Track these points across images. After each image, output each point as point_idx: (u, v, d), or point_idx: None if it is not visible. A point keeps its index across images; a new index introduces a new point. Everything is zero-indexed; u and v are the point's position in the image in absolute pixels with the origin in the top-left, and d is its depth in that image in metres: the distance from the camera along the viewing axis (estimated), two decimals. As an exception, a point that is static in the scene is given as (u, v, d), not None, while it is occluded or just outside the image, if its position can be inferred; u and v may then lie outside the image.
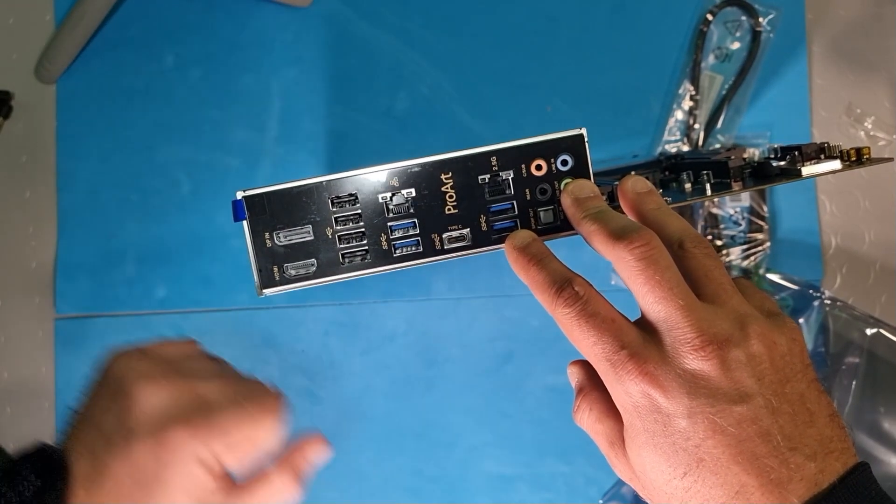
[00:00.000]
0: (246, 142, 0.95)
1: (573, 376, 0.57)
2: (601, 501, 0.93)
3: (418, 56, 0.96)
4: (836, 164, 0.57)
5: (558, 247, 0.91)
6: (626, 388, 0.48)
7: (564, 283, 0.51)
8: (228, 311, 0.94)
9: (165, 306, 0.94)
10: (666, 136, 0.95)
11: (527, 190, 0.56)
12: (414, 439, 0.94)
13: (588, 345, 0.50)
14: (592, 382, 0.55)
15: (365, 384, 0.95)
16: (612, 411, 0.53)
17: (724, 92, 0.95)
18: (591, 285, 0.51)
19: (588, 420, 0.54)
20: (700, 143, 0.94)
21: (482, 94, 0.96)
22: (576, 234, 0.56)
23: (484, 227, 0.56)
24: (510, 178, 0.56)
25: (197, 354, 0.65)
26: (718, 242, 0.94)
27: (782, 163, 0.60)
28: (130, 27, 0.95)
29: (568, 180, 0.56)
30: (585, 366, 0.57)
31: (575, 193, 0.55)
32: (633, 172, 0.57)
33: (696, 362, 0.47)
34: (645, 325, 0.50)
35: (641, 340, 0.49)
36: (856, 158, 0.58)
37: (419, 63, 0.96)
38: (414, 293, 0.94)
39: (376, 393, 0.95)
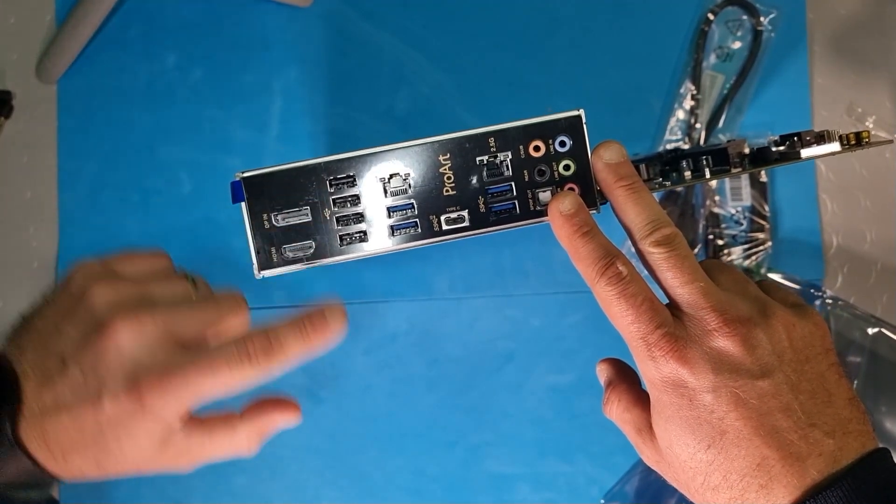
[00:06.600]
0: (247, 141, 0.95)
1: (602, 373, 0.61)
2: (603, 501, 0.93)
3: (419, 56, 0.96)
4: (835, 146, 0.57)
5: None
6: (658, 366, 0.51)
7: (610, 261, 0.53)
8: (229, 310, 0.94)
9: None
10: (667, 136, 0.95)
11: (525, 171, 0.56)
12: (415, 439, 0.94)
13: (625, 323, 0.52)
14: (620, 377, 0.59)
15: (366, 384, 0.94)
16: (638, 401, 0.56)
17: (725, 91, 0.95)
18: (632, 264, 0.53)
19: (617, 410, 0.57)
20: (702, 142, 0.94)
21: (483, 93, 0.96)
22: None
23: (482, 208, 0.56)
24: (508, 159, 0.56)
25: (167, 273, 0.62)
26: (720, 242, 0.94)
27: (781, 147, 0.60)
28: (131, 27, 0.95)
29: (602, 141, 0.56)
30: (613, 362, 0.60)
31: (605, 158, 0.56)
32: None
33: (720, 340, 0.50)
34: (672, 309, 0.53)
35: (673, 321, 0.52)
36: (855, 142, 0.57)
37: (420, 63, 0.96)
38: (415, 293, 0.94)
39: (378, 392, 0.94)
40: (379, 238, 0.57)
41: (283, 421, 0.60)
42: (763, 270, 0.94)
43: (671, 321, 0.51)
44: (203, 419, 0.56)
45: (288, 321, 0.56)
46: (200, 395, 0.53)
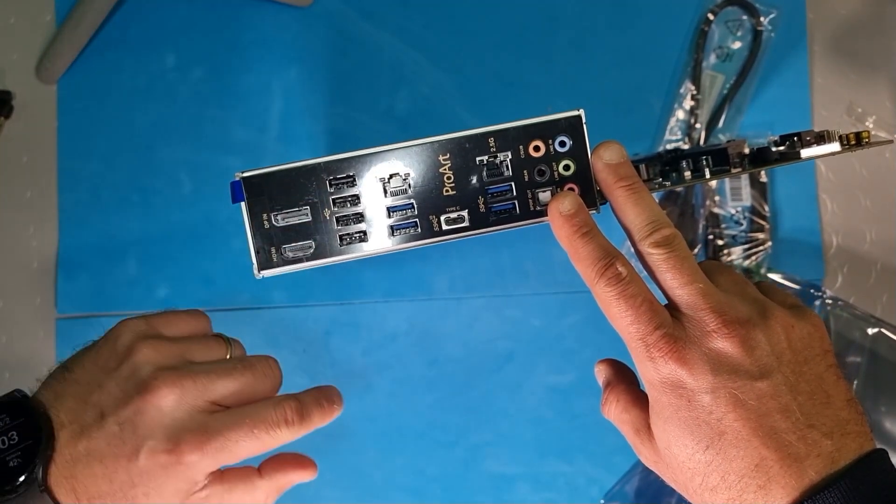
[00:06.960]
0: (247, 141, 0.95)
1: (600, 373, 0.61)
2: (603, 501, 0.93)
3: (419, 56, 0.96)
4: (835, 146, 0.57)
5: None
6: (657, 366, 0.51)
7: (609, 261, 0.53)
8: (230, 310, 0.94)
9: (167, 306, 0.92)
10: (667, 136, 0.95)
11: (525, 171, 0.56)
12: (415, 439, 0.94)
13: (624, 324, 0.52)
14: (618, 377, 0.59)
15: (366, 384, 0.94)
16: (637, 402, 0.57)
17: (725, 91, 0.95)
18: (631, 265, 0.53)
19: (615, 411, 0.58)
20: (702, 142, 0.94)
21: (483, 93, 0.96)
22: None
23: (482, 208, 0.56)
24: (508, 159, 0.56)
25: (206, 334, 0.64)
26: (720, 242, 0.94)
27: (781, 148, 0.60)
28: (131, 27, 0.95)
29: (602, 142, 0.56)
30: (611, 363, 0.60)
31: (605, 158, 0.56)
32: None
33: (719, 342, 0.50)
34: (671, 310, 0.53)
35: (672, 322, 0.52)
36: (855, 142, 0.57)
37: (420, 63, 0.96)
38: (415, 293, 0.94)
39: (377, 393, 0.94)
40: (379, 238, 0.57)
41: (300, 479, 0.62)
42: (763, 270, 0.94)
43: (670, 322, 0.51)
44: (223, 473, 0.57)
45: (306, 393, 0.61)
46: (238, 455, 0.55)
